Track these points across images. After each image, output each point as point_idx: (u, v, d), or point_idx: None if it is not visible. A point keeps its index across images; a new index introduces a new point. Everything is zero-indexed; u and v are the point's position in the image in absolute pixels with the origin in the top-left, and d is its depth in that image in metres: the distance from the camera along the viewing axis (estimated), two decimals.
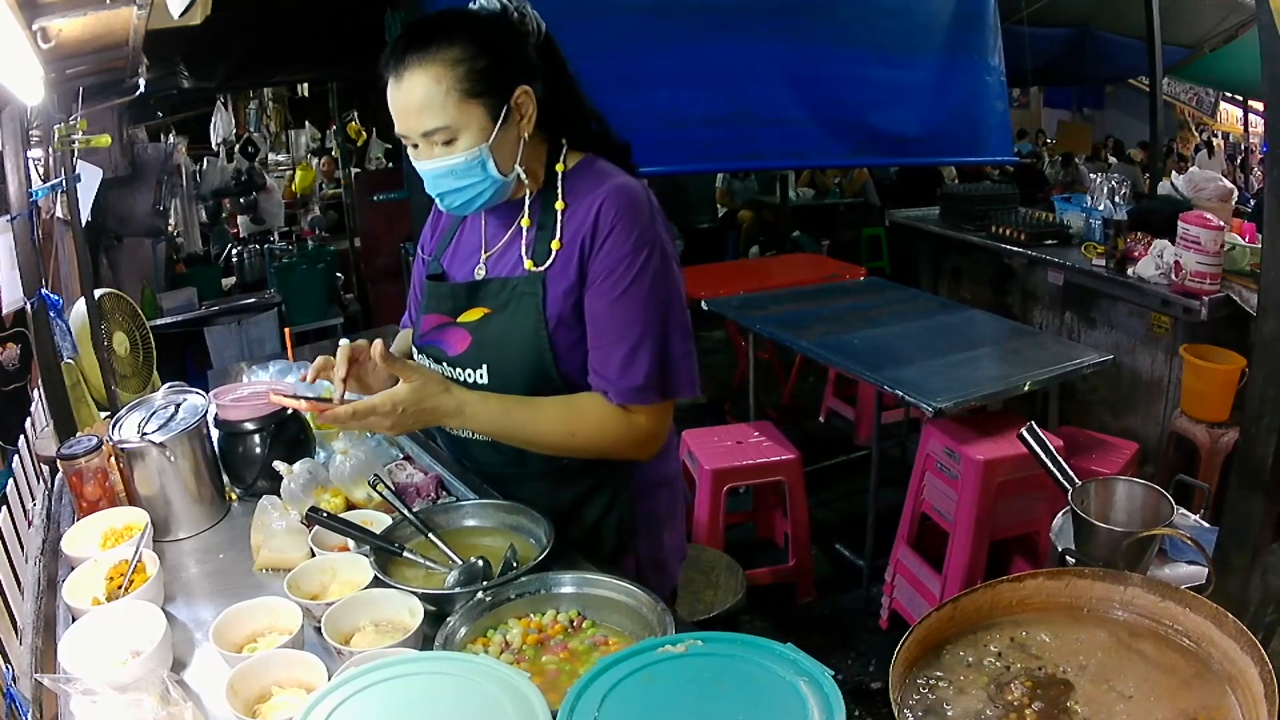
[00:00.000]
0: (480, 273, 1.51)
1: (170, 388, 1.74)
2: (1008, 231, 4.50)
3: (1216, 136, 11.50)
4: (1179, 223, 3.48)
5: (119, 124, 4.45)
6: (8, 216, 1.86)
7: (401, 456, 1.76)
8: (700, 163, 5.07)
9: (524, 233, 1.47)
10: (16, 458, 1.67)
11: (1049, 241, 4.37)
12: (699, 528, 3.16)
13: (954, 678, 1.05)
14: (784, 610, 3.34)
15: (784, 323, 3.71)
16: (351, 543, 1.42)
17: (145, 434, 1.56)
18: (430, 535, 1.41)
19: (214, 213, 7.89)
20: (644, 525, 1.59)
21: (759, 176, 8.40)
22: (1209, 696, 0.98)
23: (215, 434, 1.72)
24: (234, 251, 6.74)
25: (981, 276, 4.82)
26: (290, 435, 1.70)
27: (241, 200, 7.76)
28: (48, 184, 2.31)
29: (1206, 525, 1.73)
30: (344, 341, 1.43)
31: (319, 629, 1.22)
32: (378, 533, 1.40)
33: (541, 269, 1.43)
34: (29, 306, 1.91)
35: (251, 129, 10.03)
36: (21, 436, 1.77)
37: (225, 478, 1.70)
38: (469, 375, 1.48)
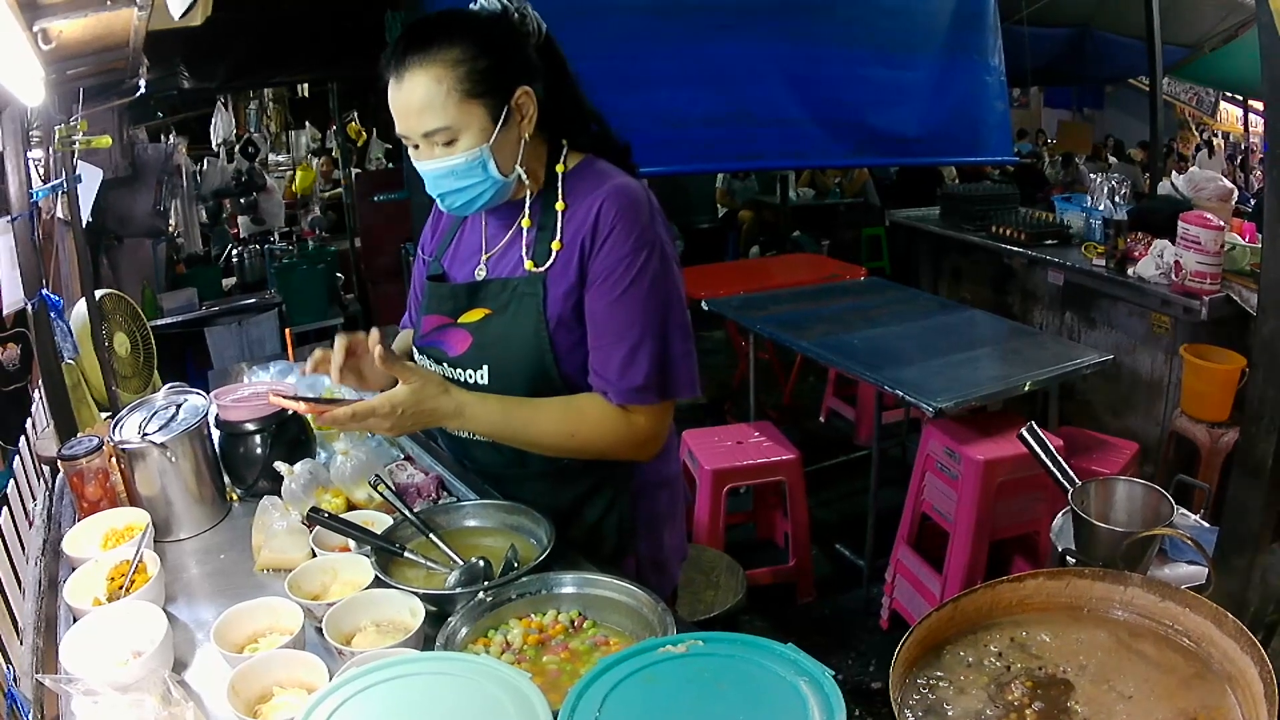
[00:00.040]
0: (481, 273, 1.51)
1: (171, 388, 1.74)
2: (1008, 231, 4.50)
3: (1216, 136, 11.50)
4: (1179, 223, 3.48)
5: (119, 124, 4.46)
6: (8, 217, 1.86)
7: (402, 457, 1.76)
8: (700, 163, 5.07)
9: (524, 233, 1.47)
10: (17, 458, 1.67)
11: (1049, 241, 4.37)
12: (699, 528, 3.16)
13: (954, 678, 1.05)
14: (784, 610, 3.34)
15: (784, 323, 3.71)
16: (352, 543, 1.42)
17: (146, 434, 1.57)
18: (431, 535, 1.41)
19: (214, 213, 7.89)
20: (644, 525, 1.59)
21: (759, 176, 8.40)
22: (1209, 696, 0.98)
23: (216, 434, 1.72)
24: (234, 252, 6.74)
25: (982, 276, 4.83)
26: (291, 436, 1.70)
27: (242, 201, 7.77)
28: (48, 185, 2.31)
29: (1206, 525, 1.73)
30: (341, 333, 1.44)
31: (320, 629, 1.22)
32: (379, 533, 1.40)
33: (542, 269, 1.43)
34: (30, 307, 1.91)
35: (252, 129, 10.03)
36: (22, 437, 1.78)
37: (226, 478, 1.70)
38: (470, 376, 1.48)
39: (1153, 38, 5.93)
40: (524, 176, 1.43)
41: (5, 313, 1.80)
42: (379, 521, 1.46)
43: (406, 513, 1.44)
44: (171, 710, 1.05)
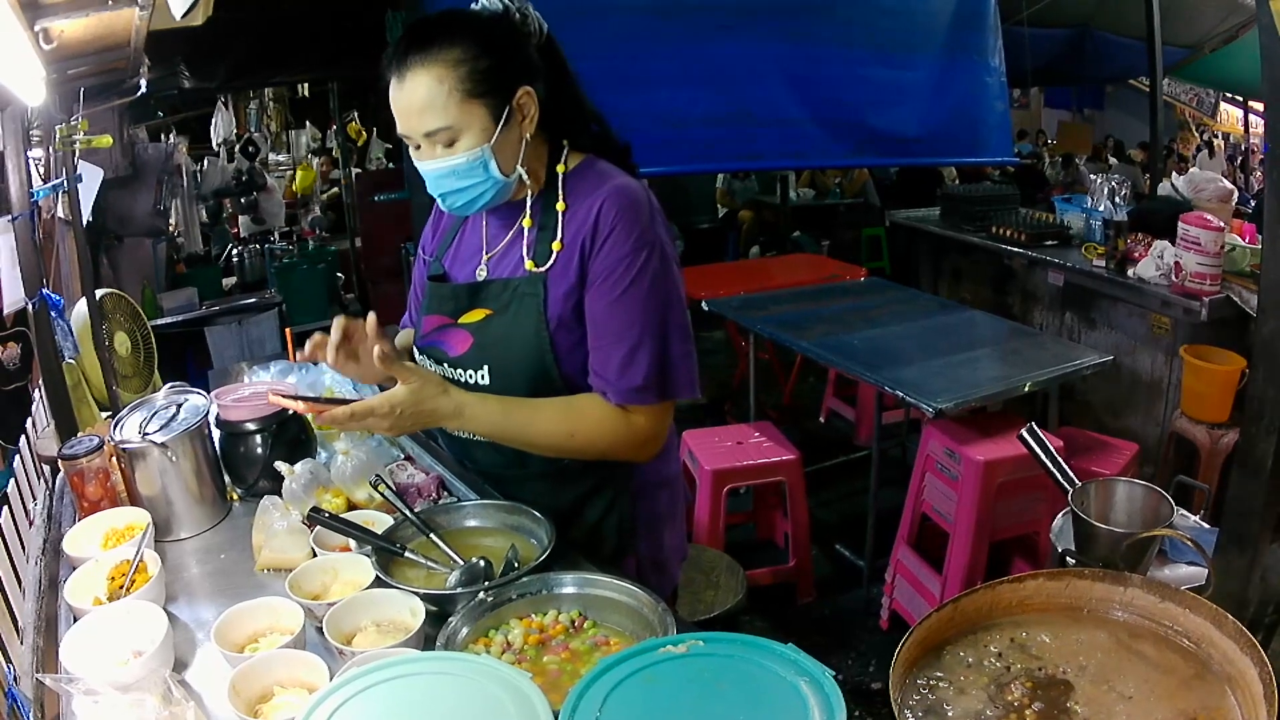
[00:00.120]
0: (482, 274, 1.51)
1: (171, 388, 1.74)
2: (1008, 232, 4.50)
3: (1217, 137, 11.51)
4: (1179, 224, 3.48)
5: (120, 124, 4.45)
6: (9, 216, 1.86)
7: (403, 457, 1.76)
8: (700, 163, 5.07)
9: (525, 233, 1.47)
10: (17, 457, 1.67)
11: (1049, 242, 4.37)
12: (699, 528, 3.16)
13: (954, 678, 1.05)
14: (784, 610, 3.34)
15: (784, 323, 3.71)
16: (353, 543, 1.42)
17: (147, 434, 1.57)
18: (431, 535, 1.41)
19: (214, 213, 7.90)
20: (644, 526, 1.59)
21: (759, 177, 8.40)
22: (1209, 697, 0.98)
23: (216, 434, 1.72)
24: (234, 251, 6.75)
25: (982, 277, 4.83)
26: (291, 435, 1.71)
27: (242, 200, 7.78)
28: (49, 184, 2.31)
29: (1206, 526, 1.73)
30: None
31: (321, 629, 1.22)
32: (379, 533, 1.40)
33: (542, 270, 1.43)
34: (30, 306, 1.91)
35: (252, 129, 10.04)
36: (23, 436, 1.78)
37: (227, 478, 1.70)
38: (470, 376, 1.48)
39: (1153, 38, 5.93)
40: (525, 177, 1.43)
41: (6, 312, 1.80)
42: (379, 521, 1.47)
43: (407, 513, 1.44)
44: (172, 710, 1.05)
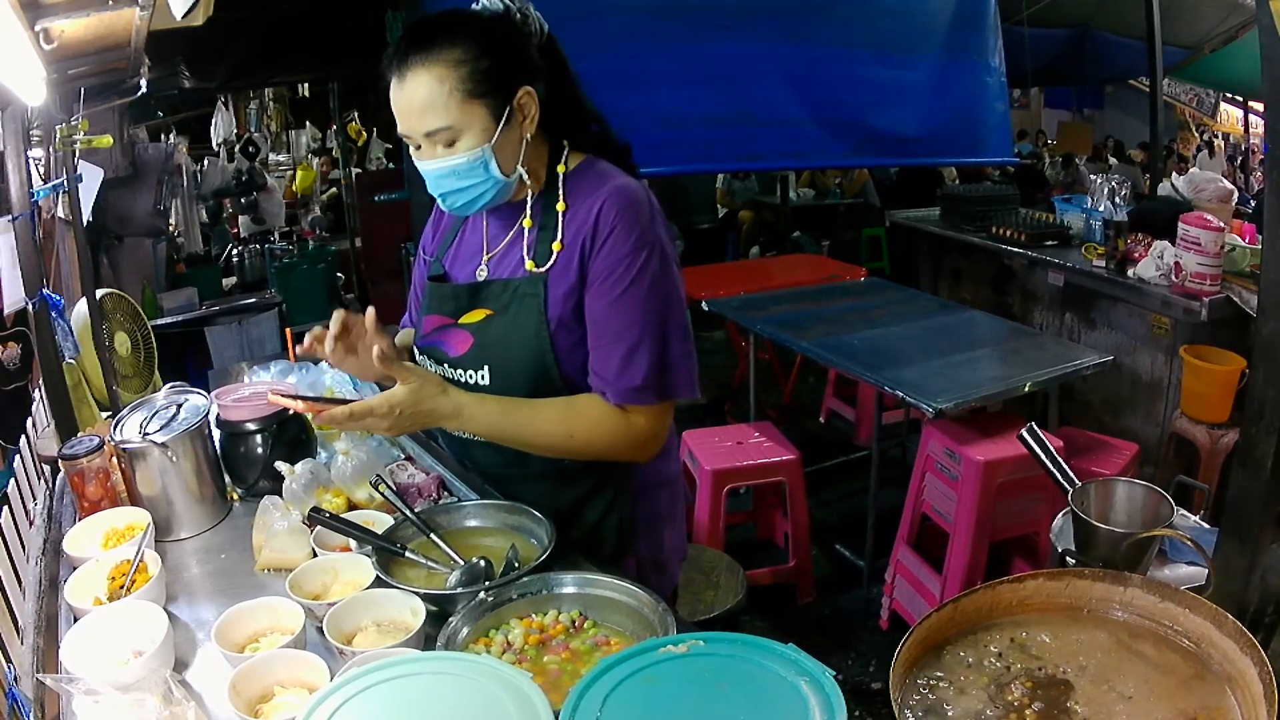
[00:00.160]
0: (482, 274, 1.51)
1: (172, 388, 1.74)
2: (1008, 232, 4.50)
3: (1217, 137, 11.51)
4: (1179, 224, 3.48)
5: (120, 124, 4.45)
6: (9, 216, 1.86)
7: (403, 457, 1.76)
8: (700, 163, 5.07)
9: (526, 234, 1.47)
10: (18, 457, 1.67)
11: (1049, 242, 4.37)
12: (699, 528, 3.16)
13: (954, 678, 1.05)
14: (784, 610, 3.35)
15: (784, 323, 3.71)
16: (353, 543, 1.42)
17: (147, 434, 1.57)
18: (432, 535, 1.41)
19: (215, 213, 7.91)
20: (644, 526, 1.59)
21: (759, 177, 8.40)
22: (1209, 697, 0.98)
23: (217, 434, 1.72)
24: (234, 251, 6.75)
25: (982, 277, 4.83)
26: (292, 435, 1.71)
27: (242, 200, 7.78)
28: (49, 184, 2.31)
29: (1206, 526, 1.73)
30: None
31: (321, 629, 1.22)
32: (379, 533, 1.40)
33: (543, 270, 1.43)
34: (30, 306, 1.91)
35: (252, 129, 10.05)
36: (23, 436, 1.78)
37: (227, 478, 1.70)
38: (470, 377, 1.48)
39: (1153, 38, 5.94)
40: (525, 177, 1.43)
41: (6, 312, 1.80)
42: (380, 521, 1.47)
43: (407, 513, 1.44)
44: (173, 710, 1.05)
